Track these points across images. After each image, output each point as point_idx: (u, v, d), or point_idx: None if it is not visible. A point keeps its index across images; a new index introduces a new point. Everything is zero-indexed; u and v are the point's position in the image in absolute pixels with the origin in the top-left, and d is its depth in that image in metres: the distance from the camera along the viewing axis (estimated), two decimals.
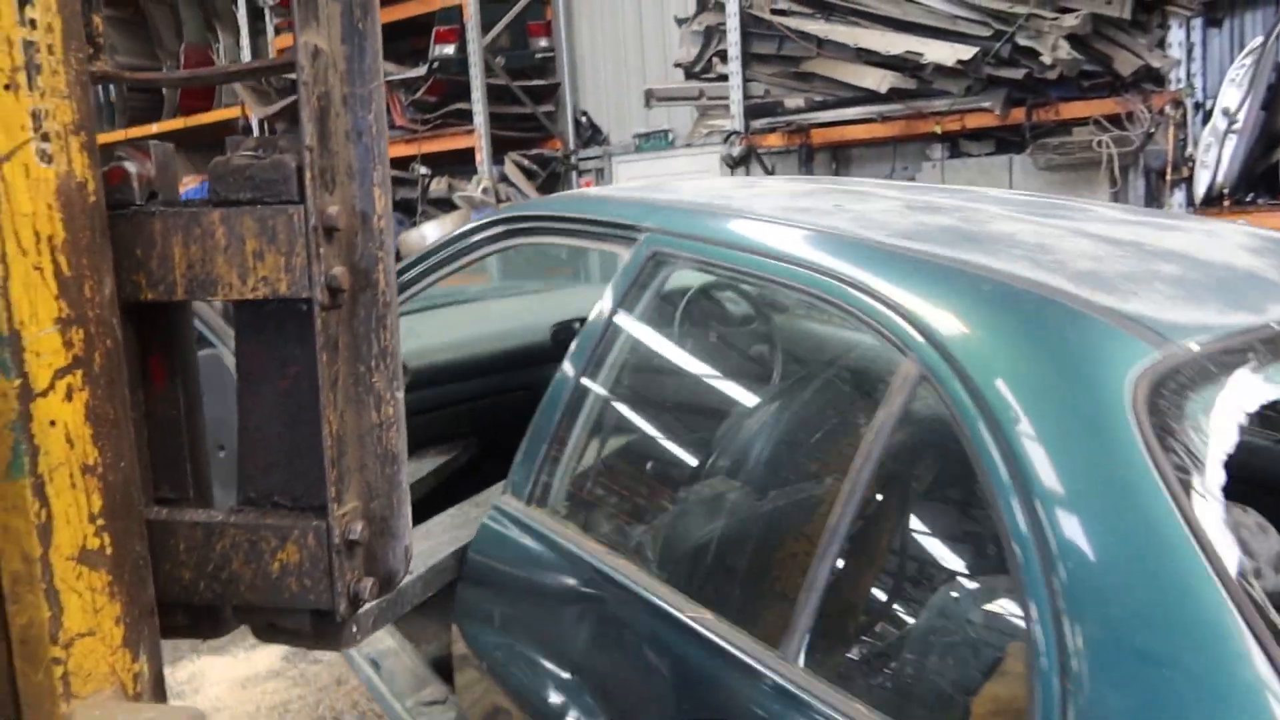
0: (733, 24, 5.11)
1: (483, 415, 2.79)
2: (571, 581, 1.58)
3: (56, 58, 0.91)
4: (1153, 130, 4.08)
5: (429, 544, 1.72)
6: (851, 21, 4.68)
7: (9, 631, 0.93)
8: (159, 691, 1.05)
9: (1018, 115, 4.44)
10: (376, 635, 2.29)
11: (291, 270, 0.99)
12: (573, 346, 1.76)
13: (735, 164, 5.31)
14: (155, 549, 1.06)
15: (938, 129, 4.63)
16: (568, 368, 1.74)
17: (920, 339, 1.20)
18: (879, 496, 1.42)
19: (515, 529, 1.68)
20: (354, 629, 1.16)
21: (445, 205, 6.82)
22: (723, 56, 5.25)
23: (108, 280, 0.98)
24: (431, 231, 6.75)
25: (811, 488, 1.68)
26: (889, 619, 1.42)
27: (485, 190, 6.28)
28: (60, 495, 0.91)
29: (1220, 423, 1.07)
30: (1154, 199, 4.39)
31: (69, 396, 0.92)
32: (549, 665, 1.54)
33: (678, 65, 5.55)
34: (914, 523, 1.51)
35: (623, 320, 1.71)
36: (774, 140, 5.24)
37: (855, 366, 1.72)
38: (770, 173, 5.50)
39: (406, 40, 7.06)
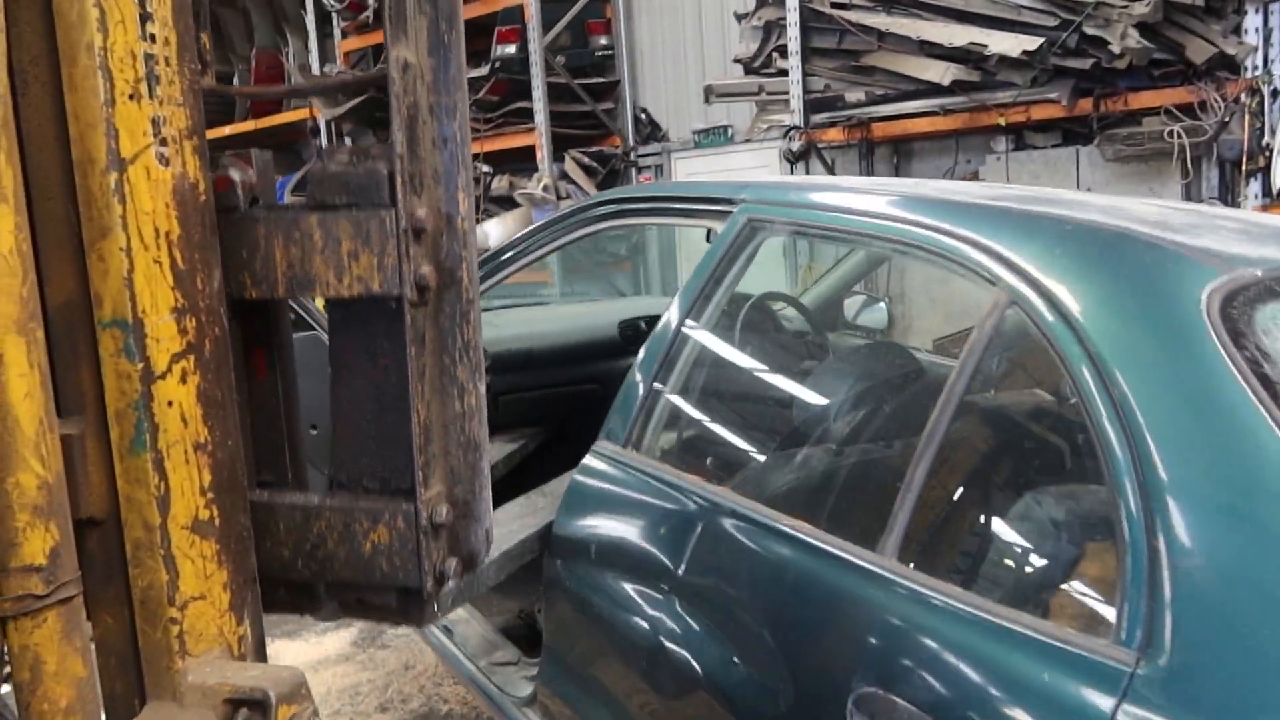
0: (793, 18, 5.09)
1: (554, 404, 2.89)
2: (672, 508, 1.66)
3: (172, 69, 0.98)
4: (1227, 119, 3.99)
5: (500, 530, 1.76)
6: (914, 14, 4.65)
7: (131, 594, 1.01)
8: (261, 653, 1.12)
9: (1085, 106, 4.36)
10: None
11: (384, 269, 1.04)
12: (670, 307, 1.87)
13: (795, 159, 5.31)
14: (257, 528, 1.12)
15: (1002, 121, 4.57)
16: (665, 324, 1.85)
17: (1005, 271, 1.32)
18: (970, 408, 1.50)
19: (614, 467, 1.79)
20: (436, 606, 1.20)
21: (507, 203, 6.94)
22: (782, 51, 5.24)
23: (216, 274, 1.05)
24: (493, 229, 6.88)
25: (903, 408, 1.80)
26: (979, 517, 1.49)
27: (546, 188, 6.37)
28: (176, 470, 0.99)
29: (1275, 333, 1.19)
30: (1228, 190, 4.28)
31: (183, 379, 1.00)
32: (647, 585, 1.63)
33: (737, 61, 5.57)
34: (1002, 431, 1.59)
35: (719, 281, 1.83)
36: (834, 135, 5.23)
37: (948, 307, 1.81)
38: (830, 168, 5.49)
39: (469, 41, 7.19)
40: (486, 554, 1.18)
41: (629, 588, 1.70)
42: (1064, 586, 1.26)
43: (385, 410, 1.11)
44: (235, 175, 1.13)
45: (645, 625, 1.62)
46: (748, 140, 6.04)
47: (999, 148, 5.08)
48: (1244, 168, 4.02)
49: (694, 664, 1.52)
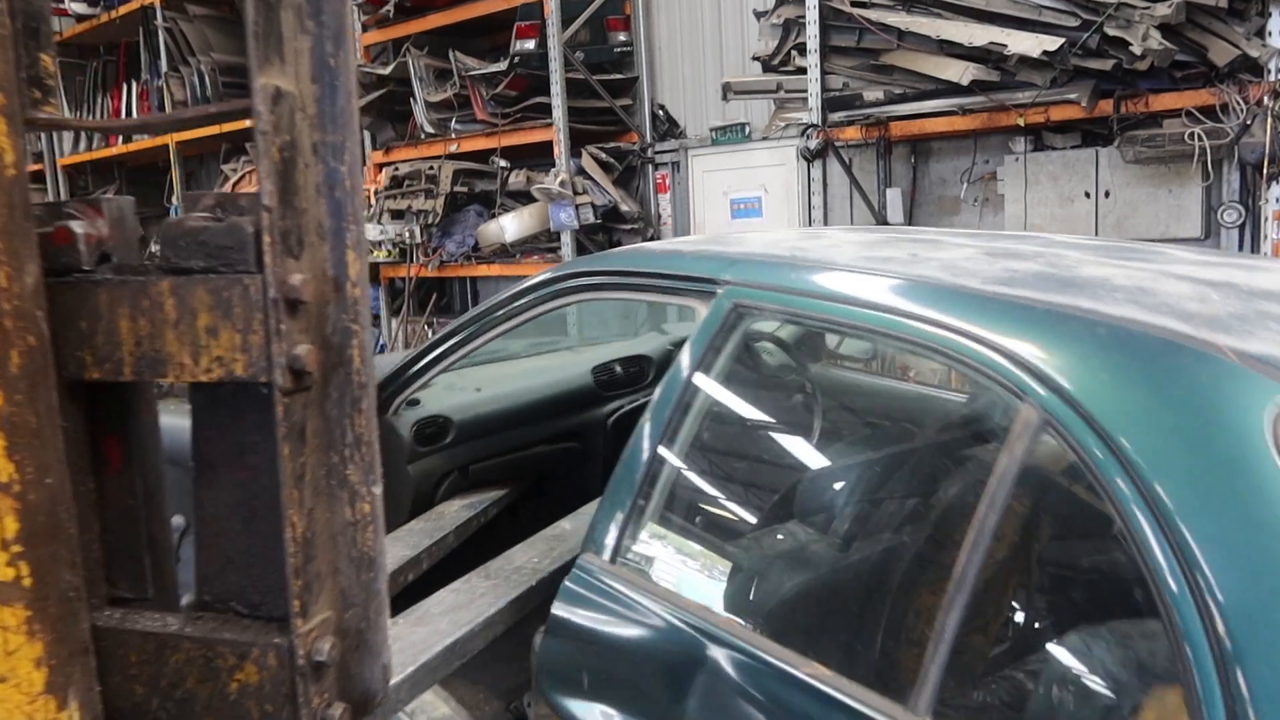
0: (812, 16, 5.04)
1: (529, 465, 2.72)
2: (665, 641, 1.51)
3: None
4: (1249, 122, 3.93)
5: (424, 630, 1.56)
6: (934, 13, 4.61)
7: None
8: None
9: (1105, 107, 4.28)
10: (429, 699, 2.24)
11: (248, 349, 0.86)
12: (652, 402, 1.70)
13: (812, 157, 5.28)
14: (104, 658, 0.93)
15: (1021, 121, 4.53)
16: (648, 424, 1.67)
17: (1037, 384, 1.18)
18: (1005, 543, 1.35)
19: (599, 588, 1.63)
20: None
21: (523, 198, 6.94)
22: (801, 49, 5.19)
23: (30, 268, 0.85)
24: (509, 224, 6.89)
25: (927, 539, 1.64)
26: (1023, 669, 1.35)
27: (562, 183, 6.38)
28: None
29: None
30: (1249, 193, 4.24)
31: None
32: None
33: (755, 58, 5.54)
34: (1043, 570, 1.47)
35: (705, 375, 1.65)
36: (851, 133, 5.19)
37: (966, 415, 1.67)
38: (847, 167, 5.48)
39: (488, 36, 7.21)
40: (385, 694, 0.99)
41: None
42: None
43: (255, 518, 0.93)
44: (78, 228, 0.93)
45: None
46: (765, 138, 6.02)
47: (1018, 148, 5.04)
48: (1265, 171, 3.96)
49: None
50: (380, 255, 7.59)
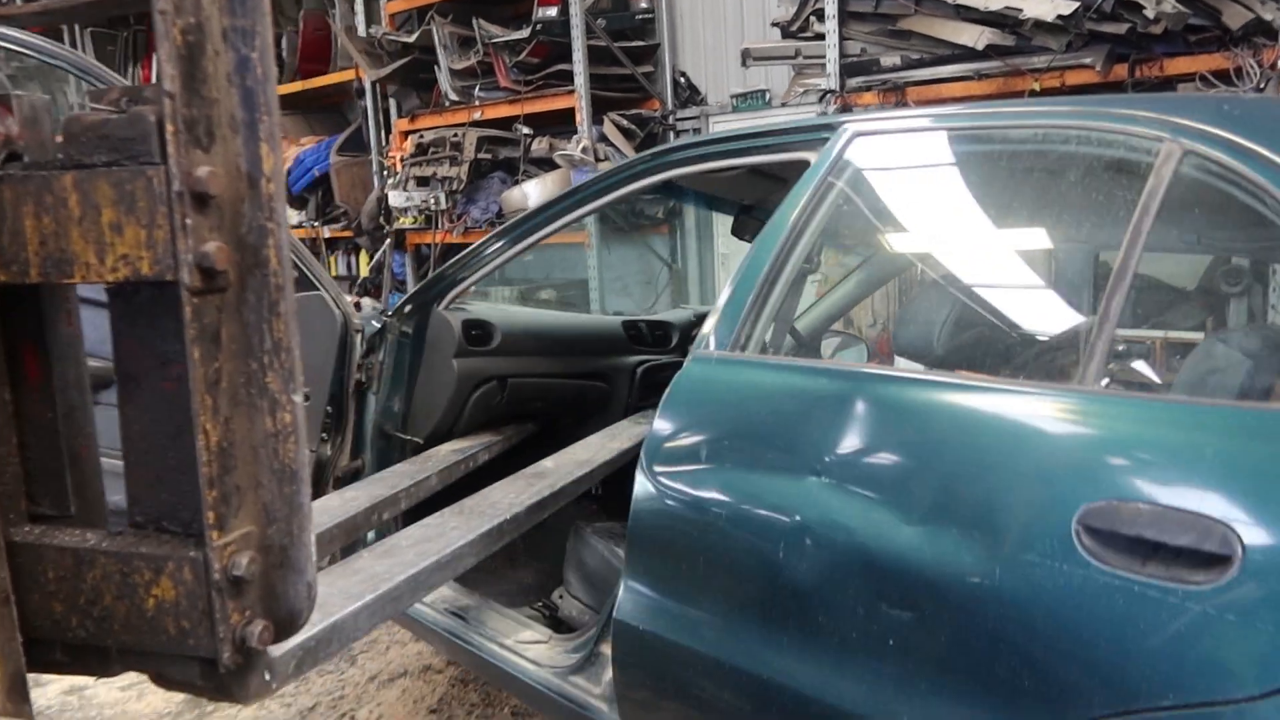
0: None
1: (560, 393, 2.80)
2: (811, 389, 1.61)
3: None
4: (1262, 86, 3.96)
5: (389, 562, 1.58)
6: None
7: None
8: (16, 696, 0.90)
9: (1120, 72, 4.30)
10: (447, 594, 2.32)
11: (154, 246, 0.82)
12: (771, 221, 1.83)
13: None
14: (23, 576, 0.91)
15: (1036, 86, 4.56)
16: (763, 239, 1.81)
17: (1177, 129, 1.43)
18: (1151, 242, 1.51)
19: (727, 366, 1.73)
20: (266, 676, 0.98)
21: (546, 165, 7.04)
22: (820, 15, 5.25)
23: None
24: (533, 190, 7.00)
25: (1077, 262, 1.87)
26: (1173, 348, 1.58)
27: (584, 150, 6.47)
28: None
29: None
30: None
31: None
32: (787, 472, 1.52)
33: (775, 25, 5.59)
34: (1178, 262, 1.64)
35: (824, 197, 1.79)
36: (869, 99, 5.23)
37: (1107, 166, 1.77)
38: None
39: (511, 4, 7.28)
40: (310, 612, 0.95)
41: (759, 477, 1.56)
42: None
43: (183, 432, 0.88)
44: None
45: (788, 512, 1.49)
46: (784, 104, 6.09)
47: None
48: None
49: (858, 538, 1.40)
50: (406, 222, 7.73)
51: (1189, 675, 1.09)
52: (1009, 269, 1.99)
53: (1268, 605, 1.05)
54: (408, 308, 2.54)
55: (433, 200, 7.39)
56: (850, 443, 1.49)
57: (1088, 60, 4.28)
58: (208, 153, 0.82)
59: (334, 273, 9.26)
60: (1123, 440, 1.27)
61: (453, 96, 7.19)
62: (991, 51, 4.49)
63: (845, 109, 5.26)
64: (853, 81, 5.18)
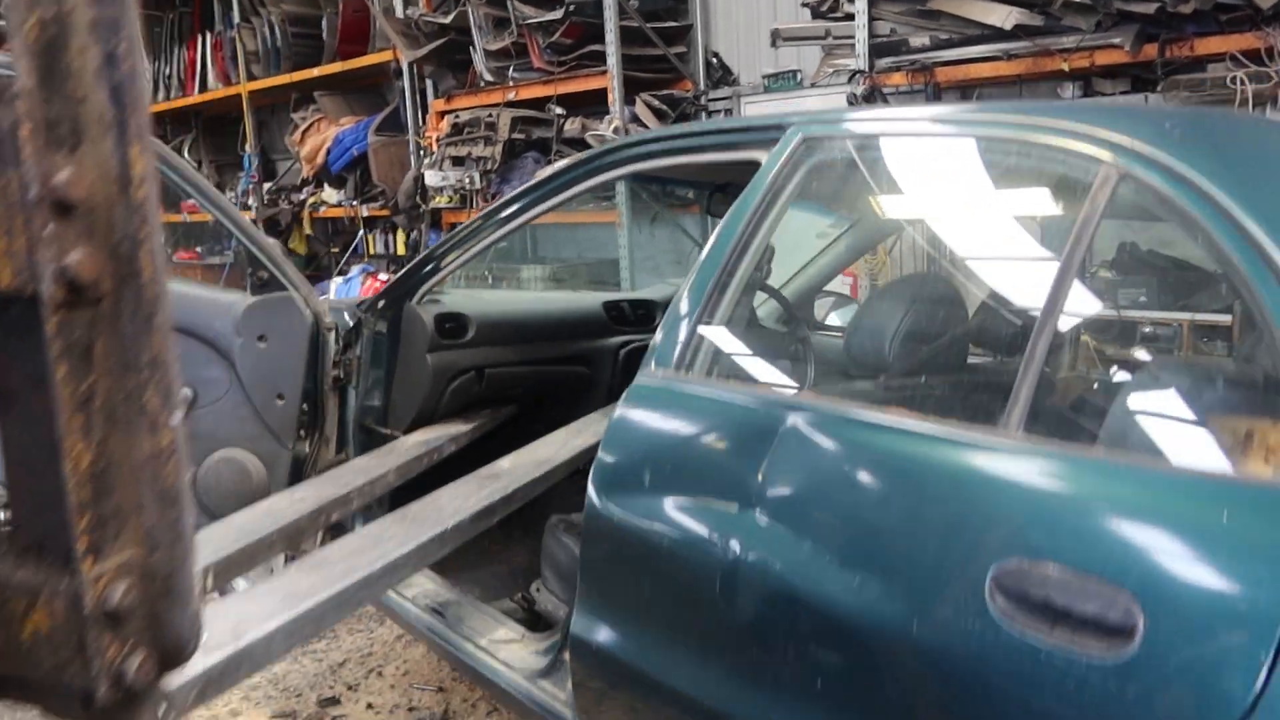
0: None
1: (541, 381, 2.77)
2: (745, 419, 1.58)
3: None
4: None
5: (314, 578, 1.51)
6: None
7: None
8: None
9: (1150, 51, 4.32)
10: (428, 588, 2.31)
11: (13, 256, 0.76)
12: (717, 231, 1.80)
13: (859, 102, 5.40)
14: None
15: (1065, 66, 4.57)
16: (716, 247, 1.77)
17: (1113, 148, 1.35)
18: (1089, 277, 1.50)
19: (670, 389, 1.71)
20: (161, 709, 0.93)
21: (579, 145, 7.13)
22: None
23: None
24: None
25: (1008, 293, 1.79)
26: (1106, 381, 1.50)
27: (616, 130, 6.54)
28: None
29: None
30: None
31: None
32: (720, 502, 1.53)
33: (805, 5, 5.63)
34: (1121, 292, 1.60)
35: (772, 204, 1.74)
36: (898, 79, 5.27)
37: (1044, 184, 1.76)
38: None
39: None
40: (196, 644, 0.90)
41: (699, 511, 1.58)
42: (1214, 435, 1.26)
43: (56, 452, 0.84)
44: None
45: (720, 548, 1.51)
46: (814, 85, 6.12)
47: (1066, 94, 5.09)
48: None
49: (785, 575, 1.41)
50: (442, 201, 7.87)
51: None
52: (943, 293, 1.95)
53: (1161, 688, 1.02)
54: (381, 303, 2.56)
55: (467, 179, 7.51)
56: (779, 477, 1.47)
57: (1117, 40, 4.29)
58: (73, 155, 0.76)
59: (371, 251, 9.45)
60: (1039, 496, 1.23)
61: (487, 77, 7.30)
62: (1020, 31, 4.50)
63: (874, 90, 5.29)
64: (882, 62, 5.21)
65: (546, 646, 1.98)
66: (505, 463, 2.18)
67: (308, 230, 10.38)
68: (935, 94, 5.57)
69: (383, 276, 8.75)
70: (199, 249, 12.04)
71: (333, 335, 2.44)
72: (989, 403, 1.35)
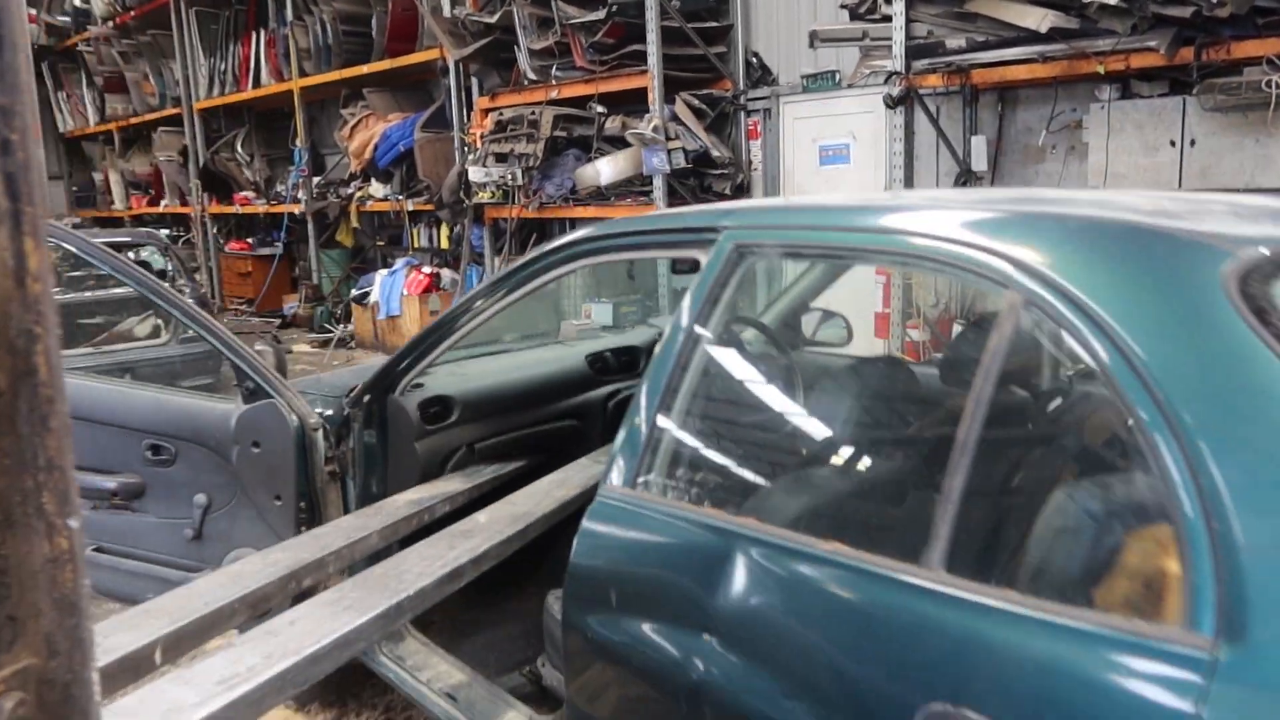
0: None
1: (532, 443, 2.79)
2: (695, 544, 1.60)
3: None
4: None
5: (257, 655, 1.45)
6: None
7: None
8: None
9: (1186, 55, 4.34)
10: (442, 669, 2.36)
11: None
12: (660, 343, 1.80)
13: (894, 103, 5.41)
14: None
15: (1100, 69, 4.58)
16: (660, 361, 1.78)
17: (1018, 273, 1.31)
18: (1000, 409, 1.45)
19: (626, 510, 1.72)
20: None
21: (618, 143, 7.25)
22: None
23: None
24: (605, 167, 7.24)
25: (926, 418, 1.78)
26: (1023, 518, 1.45)
27: (655, 129, 6.66)
28: None
29: None
30: None
31: None
32: (678, 627, 1.57)
33: (843, 6, 5.70)
34: (1035, 427, 1.61)
35: (711, 313, 1.76)
36: (934, 81, 5.30)
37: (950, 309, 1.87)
38: (933, 117, 5.62)
39: None
40: None
41: (658, 632, 1.61)
42: (1123, 579, 1.22)
43: None
44: None
45: (681, 669, 1.54)
46: (850, 85, 6.19)
47: (1103, 96, 5.11)
48: None
49: (740, 702, 1.45)
50: (485, 196, 8.05)
51: None
52: (866, 422, 1.97)
53: None
54: (366, 398, 2.57)
55: (510, 176, 7.68)
56: (727, 603, 1.50)
57: (1153, 43, 4.30)
58: None
59: (416, 244, 9.67)
60: (962, 639, 1.22)
61: (531, 75, 7.46)
62: (1056, 34, 4.53)
63: (909, 90, 5.35)
64: (918, 64, 5.26)
65: None
66: (481, 517, 2.17)
67: (355, 223, 10.64)
68: (973, 96, 5.62)
69: (426, 269, 8.95)
70: (250, 240, 12.39)
71: (320, 434, 2.50)
72: (915, 539, 1.36)
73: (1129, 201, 1.55)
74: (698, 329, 1.75)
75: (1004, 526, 1.48)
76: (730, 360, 1.93)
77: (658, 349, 1.81)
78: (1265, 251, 1.29)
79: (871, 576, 1.35)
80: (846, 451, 1.94)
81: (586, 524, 1.76)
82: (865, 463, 1.89)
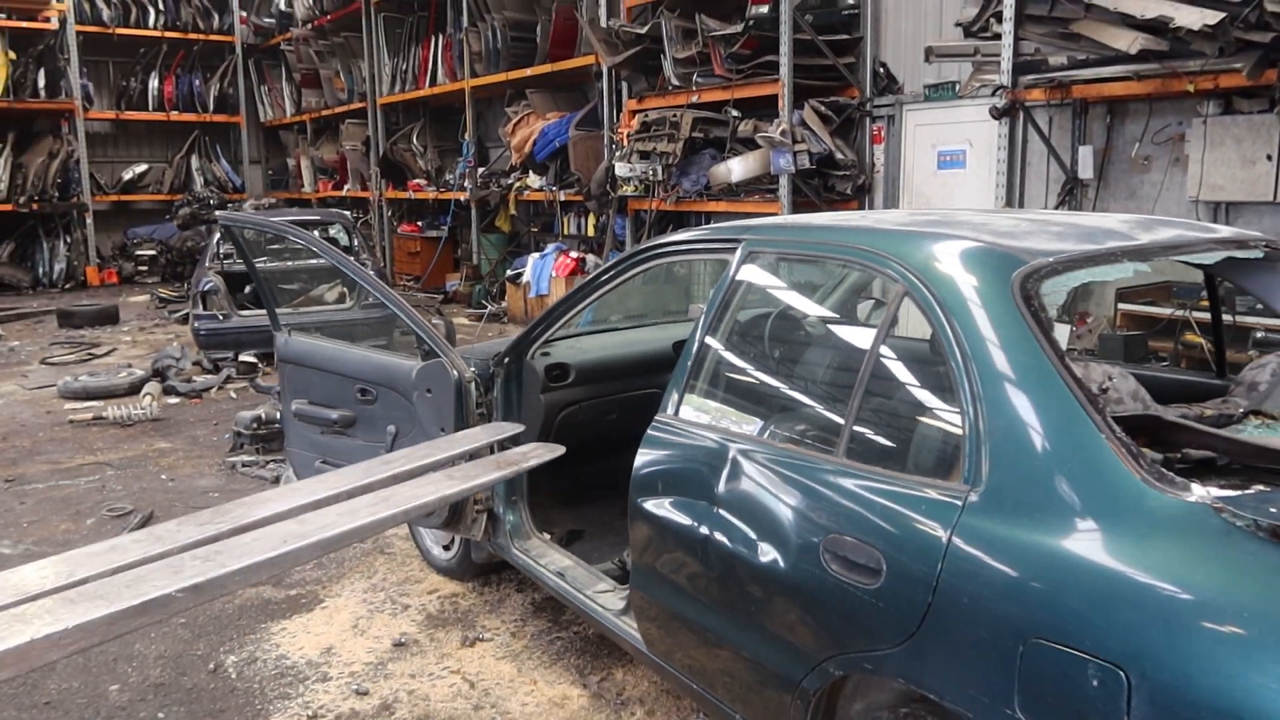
0: None
1: (624, 405, 3.55)
2: (709, 449, 2.35)
3: None
4: None
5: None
6: None
7: None
8: None
9: (1270, 76, 4.66)
10: (555, 557, 3.13)
11: None
12: (702, 312, 2.54)
13: (1000, 115, 5.84)
14: None
15: (1190, 88, 4.93)
16: (696, 331, 2.52)
17: (903, 271, 2.03)
18: (883, 357, 2.16)
19: (667, 430, 2.49)
20: None
21: (750, 144, 7.92)
22: (999, 17, 5.81)
23: None
24: (736, 166, 7.90)
25: (848, 363, 2.41)
26: (893, 425, 2.16)
27: (783, 132, 7.28)
28: None
29: (1057, 295, 1.88)
30: None
31: None
32: (698, 501, 2.31)
33: (958, 24, 6.17)
34: (905, 369, 2.22)
35: (731, 299, 2.50)
36: (1038, 95, 5.69)
37: (869, 294, 2.59)
38: (1036, 125, 6.00)
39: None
40: None
41: (683, 506, 2.35)
42: (942, 454, 1.94)
43: None
44: None
45: (696, 529, 2.29)
46: (962, 96, 6.64)
47: (1204, 111, 5.43)
48: None
49: (731, 549, 2.18)
50: (628, 190, 8.87)
51: (866, 634, 1.85)
52: (810, 367, 2.72)
53: (899, 600, 1.76)
54: (507, 359, 3.35)
55: (651, 172, 8.46)
56: (725, 485, 2.27)
57: (1238, 65, 4.65)
58: None
59: (565, 232, 10.62)
60: (848, 496, 1.97)
61: (674, 81, 8.20)
62: (1150, 55, 4.92)
63: (1014, 103, 5.80)
64: (1024, 79, 5.69)
65: (624, 594, 2.79)
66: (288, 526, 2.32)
67: (512, 210, 11.66)
68: (1082, 110, 6.00)
69: (573, 254, 9.86)
70: (419, 223, 13.69)
71: (473, 385, 3.26)
72: (829, 436, 2.15)
73: (995, 224, 2.20)
74: (720, 311, 2.49)
75: (882, 431, 2.15)
76: (737, 332, 2.64)
77: (696, 324, 2.54)
78: (1049, 260, 1.93)
79: (807, 463, 2.11)
80: (797, 388, 2.67)
81: (646, 439, 2.51)
82: (806, 394, 2.61)
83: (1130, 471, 1.55)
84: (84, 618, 1.63)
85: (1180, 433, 1.78)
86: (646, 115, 8.55)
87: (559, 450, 2.92)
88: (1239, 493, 1.53)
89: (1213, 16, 4.46)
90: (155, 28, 16.46)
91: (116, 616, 1.66)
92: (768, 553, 2.09)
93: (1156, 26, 4.78)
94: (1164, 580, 1.44)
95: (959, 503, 1.73)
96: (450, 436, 3.18)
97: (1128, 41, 4.84)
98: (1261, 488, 1.59)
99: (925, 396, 2.11)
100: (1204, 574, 1.42)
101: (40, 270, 15.01)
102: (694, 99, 8.05)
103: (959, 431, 1.79)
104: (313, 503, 2.29)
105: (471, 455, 2.93)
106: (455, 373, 3.26)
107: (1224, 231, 2.39)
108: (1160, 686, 1.36)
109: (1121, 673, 1.40)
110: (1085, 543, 1.55)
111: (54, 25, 14.77)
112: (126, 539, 2.07)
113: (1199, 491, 1.51)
